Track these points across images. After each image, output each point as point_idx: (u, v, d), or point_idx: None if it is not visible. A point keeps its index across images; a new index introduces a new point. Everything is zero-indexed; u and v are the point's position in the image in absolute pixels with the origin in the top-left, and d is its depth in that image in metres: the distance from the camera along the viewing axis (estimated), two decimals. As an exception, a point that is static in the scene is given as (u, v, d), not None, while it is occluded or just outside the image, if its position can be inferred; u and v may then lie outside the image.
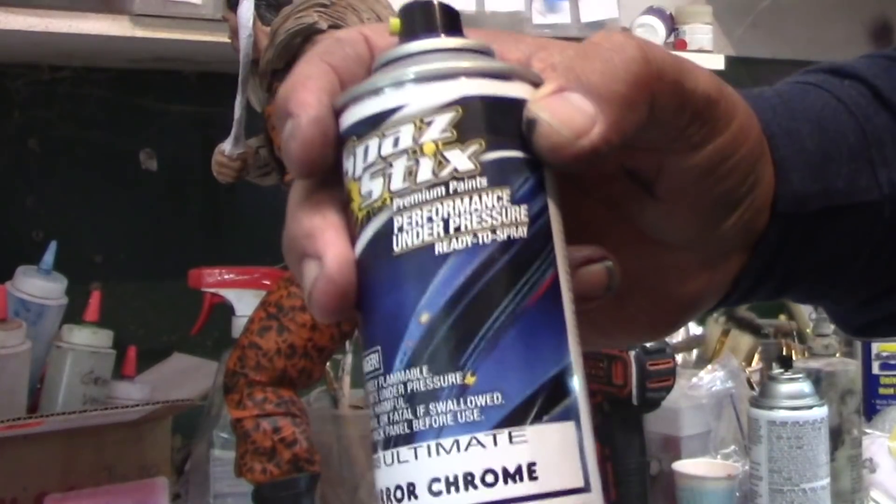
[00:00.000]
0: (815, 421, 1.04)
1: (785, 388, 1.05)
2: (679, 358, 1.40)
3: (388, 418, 0.29)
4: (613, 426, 1.07)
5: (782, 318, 1.74)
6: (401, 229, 0.29)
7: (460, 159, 0.29)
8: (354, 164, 0.30)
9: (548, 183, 0.31)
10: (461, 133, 0.29)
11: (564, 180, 0.32)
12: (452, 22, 0.31)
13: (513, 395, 0.28)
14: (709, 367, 1.31)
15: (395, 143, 0.29)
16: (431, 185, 0.29)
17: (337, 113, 0.31)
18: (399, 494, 0.29)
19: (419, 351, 0.29)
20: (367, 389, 0.30)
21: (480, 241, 0.29)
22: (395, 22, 0.32)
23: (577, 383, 0.29)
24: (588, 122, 0.30)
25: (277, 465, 0.98)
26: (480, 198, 0.29)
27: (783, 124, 0.39)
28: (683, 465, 1.13)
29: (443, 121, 0.29)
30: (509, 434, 0.28)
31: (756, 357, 1.60)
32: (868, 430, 1.26)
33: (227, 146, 1.13)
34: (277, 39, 1.01)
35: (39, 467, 1.09)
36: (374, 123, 0.30)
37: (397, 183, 0.29)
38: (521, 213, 0.29)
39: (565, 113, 0.30)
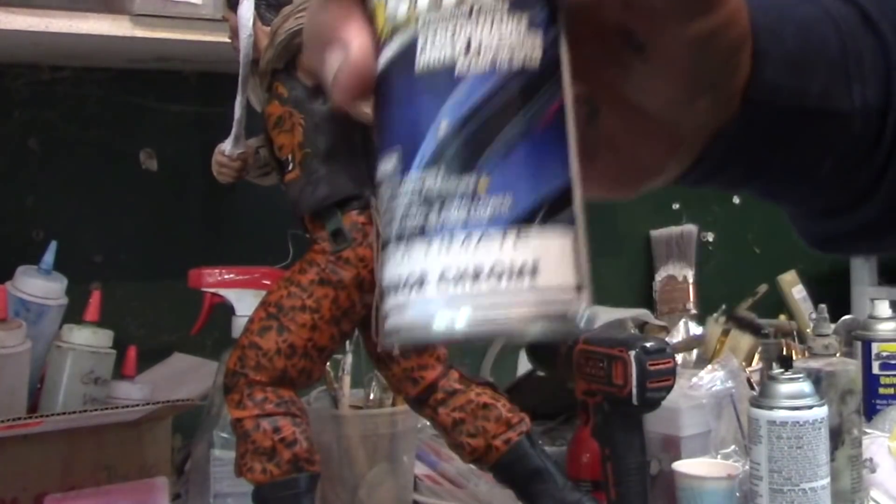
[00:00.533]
0: (815, 421, 1.04)
1: (785, 388, 1.05)
2: (679, 358, 1.40)
3: (403, 214, 0.31)
4: (613, 426, 1.07)
5: (782, 318, 1.74)
6: (424, 46, 0.31)
7: None
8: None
9: (560, 17, 0.33)
10: None
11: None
12: None
13: (521, 199, 0.31)
14: (709, 367, 1.31)
15: None
16: (457, 6, 0.31)
17: None
18: (409, 284, 0.31)
19: (437, 154, 0.31)
20: (380, 190, 0.33)
21: (499, 60, 0.31)
22: None
23: (576, 197, 0.32)
24: None
25: (277, 465, 0.98)
26: (501, 21, 0.31)
27: (768, 23, 0.40)
28: (683, 465, 1.13)
29: None
30: (517, 233, 0.30)
31: (756, 357, 1.60)
32: (868, 430, 1.26)
33: (227, 146, 1.13)
34: (277, 39, 1.01)
35: (39, 467, 1.09)
36: None
37: (423, 2, 0.31)
38: (536, 39, 0.32)
39: None
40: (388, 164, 0.32)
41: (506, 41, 0.31)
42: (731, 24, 0.37)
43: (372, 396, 1.23)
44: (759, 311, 1.69)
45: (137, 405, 1.14)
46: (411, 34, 0.32)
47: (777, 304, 1.81)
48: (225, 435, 1.11)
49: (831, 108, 0.41)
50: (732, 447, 1.20)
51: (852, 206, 0.44)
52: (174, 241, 1.51)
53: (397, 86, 0.32)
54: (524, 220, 0.30)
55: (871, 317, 1.50)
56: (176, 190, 1.53)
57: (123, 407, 1.15)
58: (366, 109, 0.34)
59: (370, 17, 0.33)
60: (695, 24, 0.36)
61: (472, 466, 1.12)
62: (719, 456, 1.18)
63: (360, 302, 1.01)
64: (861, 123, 0.42)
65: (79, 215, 1.45)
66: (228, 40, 1.11)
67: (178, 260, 1.37)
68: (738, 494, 1.10)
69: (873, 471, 1.19)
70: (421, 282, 0.31)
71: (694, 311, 1.74)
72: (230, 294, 1.20)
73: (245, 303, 1.16)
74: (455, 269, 0.30)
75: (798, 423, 1.03)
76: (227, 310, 1.20)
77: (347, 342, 1.15)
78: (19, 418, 1.06)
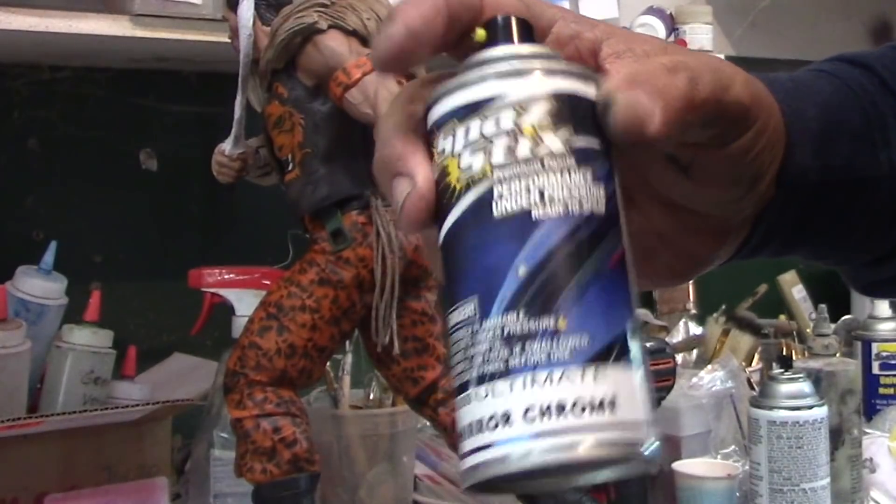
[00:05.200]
0: (815, 421, 1.04)
1: (785, 388, 1.05)
2: (679, 358, 1.40)
3: (485, 357, 0.33)
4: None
5: (782, 318, 1.74)
6: (501, 196, 0.34)
7: (554, 141, 0.34)
8: (454, 142, 0.35)
9: (615, 169, 0.36)
10: (554, 120, 0.34)
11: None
12: (529, 33, 0.37)
13: (598, 336, 0.33)
14: (709, 367, 1.31)
15: (497, 124, 0.34)
16: (529, 161, 0.34)
17: (431, 104, 0.36)
18: (493, 423, 0.33)
19: (517, 297, 0.33)
20: (454, 339, 0.35)
21: (570, 209, 0.34)
22: (480, 32, 0.37)
23: (639, 337, 0.34)
24: (650, 115, 0.35)
25: (277, 465, 0.98)
26: (570, 175, 0.34)
27: (792, 105, 0.43)
28: (683, 465, 1.13)
29: (540, 109, 0.34)
30: (596, 368, 0.32)
31: (756, 357, 1.60)
32: (868, 430, 1.26)
33: (227, 146, 1.13)
34: (277, 39, 1.01)
35: (39, 467, 1.09)
36: (476, 108, 0.35)
37: (498, 158, 0.34)
38: (600, 191, 0.35)
39: (635, 102, 0.35)
40: (464, 312, 0.34)
41: (575, 191, 0.34)
42: (764, 134, 0.40)
43: (372, 396, 1.23)
44: (759, 311, 1.69)
45: (137, 405, 1.14)
46: (487, 185, 0.34)
47: (777, 304, 1.81)
48: (225, 435, 1.11)
49: (860, 177, 0.44)
50: (732, 447, 1.20)
51: (892, 254, 0.47)
52: (174, 241, 1.51)
53: (474, 234, 0.34)
54: (601, 356, 0.33)
55: (871, 317, 1.50)
56: (176, 190, 1.53)
57: (123, 407, 1.15)
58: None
59: (441, 175, 0.35)
60: (732, 147, 0.39)
61: (472, 466, 1.11)
62: (719, 456, 1.18)
63: (360, 302, 1.01)
64: (891, 184, 0.44)
65: (79, 215, 1.45)
66: (228, 40, 1.11)
67: (178, 260, 1.37)
68: (737, 494, 1.10)
69: (873, 471, 1.18)
70: (506, 419, 0.32)
71: (694, 311, 1.74)
72: (230, 294, 1.20)
73: (245, 303, 1.16)
74: (539, 405, 0.32)
75: (798, 423, 1.03)
76: (227, 310, 1.20)
77: (347, 342, 1.15)
78: (19, 418, 1.06)
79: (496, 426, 0.33)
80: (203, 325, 1.24)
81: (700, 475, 1.11)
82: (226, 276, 1.21)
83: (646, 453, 0.33)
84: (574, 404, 0.32)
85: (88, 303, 1.24)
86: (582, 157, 0.34)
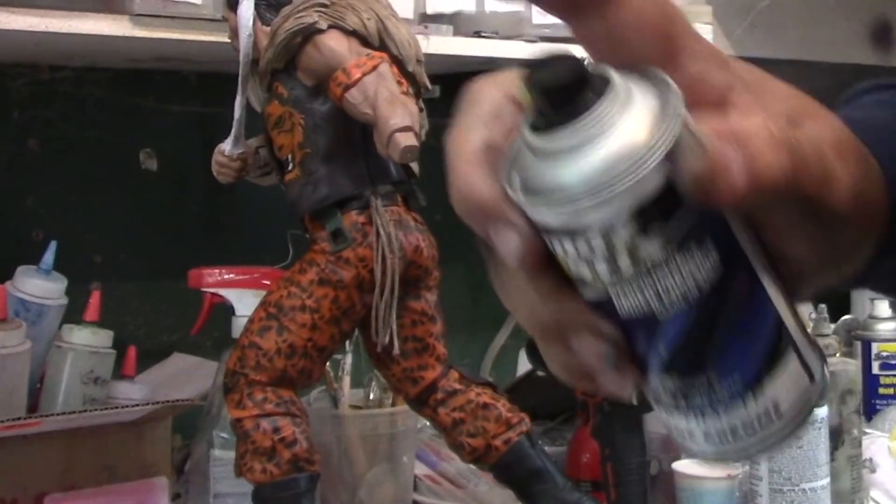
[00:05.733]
0: (815, 421, 1.04)
1: (785, 388, 1.05)
2: (679, 358, 1.39)
3: (658, 394, 0.37)
4: (613, 426, 1.07)
5: (782, 318, 1.73)
6: (619, 300, 0.34)
7: (649, 245, 0.33)
8: (553, 246, 0.34)
9: (731, 221, 0.35)
10: (644, 230, 0.33)
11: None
12: (581, 87, 0.32)
13: (747, 370, 0.35)
14: (709, 367, 1.31)
15: (590, 247, 0.33)
16: (635, 271, 0.33)
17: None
18: (681, 434, 0.38)
19: (667, 368, 0.35)
20: None
21: (690, 296, 0.34)
22: (524, 93, 0.33)
23: (787, 323, 0.36)
24: (730, 185, 0.32)
25: (277, 465, 0.98)
26: (677, 266, 0.34)
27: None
28: (683, 465, 1.13)
29: (625, 226, 0.32)
30: (753, 393, 0.35)
31: (756, 357, 1.60)
32: (868, 430, 1.26)
33: (227, 146, 1.13)
34: (277, 39, 1.01)
35: (39, 467, 1.09)
36: (563, 233, 0.33)
37: (604, 274, 0.34)
38: (709, 254, 0.34)
39: (720, 163, 0.32)
40: None
41: (688, 278, 0.34)
42: (856, 229, 0.38)
43: (372, 396, 1.23)
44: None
45: (137, 405, 1.14)
46: (602, 290, 0.34)
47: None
48: (225, 435, 1.11)
49: None
50: (732, 447, 1.19)
51: None
52: (174, 241, 1.51)
53: (610, 321, 0.35)
54: (755, 381, 0.35)
55: (871, 317, 1.50)
56: (176, 190, 1.53)
57: (123, 407, 1.15)
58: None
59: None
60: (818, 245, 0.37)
61: (472, 466, 1.12)
62: (719, 456, 1.18)
63: (360, 302, 1.01)
64: None
65: (79, 215, 1.45)
66: (228, 40, 1.11)
67: (178, 260, 1.37)
68: (737, 494, 1.10)
69: (873, 471, 1.18)
70: (691, 435, 0.37)
71: (694, 311, 1.74)
72: (230, 294, 1.20)
73: (245, 303, 1.16)
74: (714, 432, 0.36)
75: (798, 423, 1.03)
76: (227, 310, 1.20)
77: (347, 342, 1.15)
78: (19, 418, 1.06)
79: (683, 437, 0.38)
80: (203, 325, 1.24)
81: (700, 475, 1.11)
82: (226, 276, 1.21)
83: (812, 403, 0.37)
84: (743, 426, 0.36)
85: (88, 303, 1.24)
86: (682, 242, 0.33)
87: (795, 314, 0.37)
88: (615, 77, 0.33)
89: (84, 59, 1.40)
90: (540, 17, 1.53)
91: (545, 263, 0.34)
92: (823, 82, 2.33)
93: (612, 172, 0.31)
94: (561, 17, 0.34)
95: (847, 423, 1.13)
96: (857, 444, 1.14)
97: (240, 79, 1.07)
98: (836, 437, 1.11)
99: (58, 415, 1.12)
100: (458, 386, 1.05)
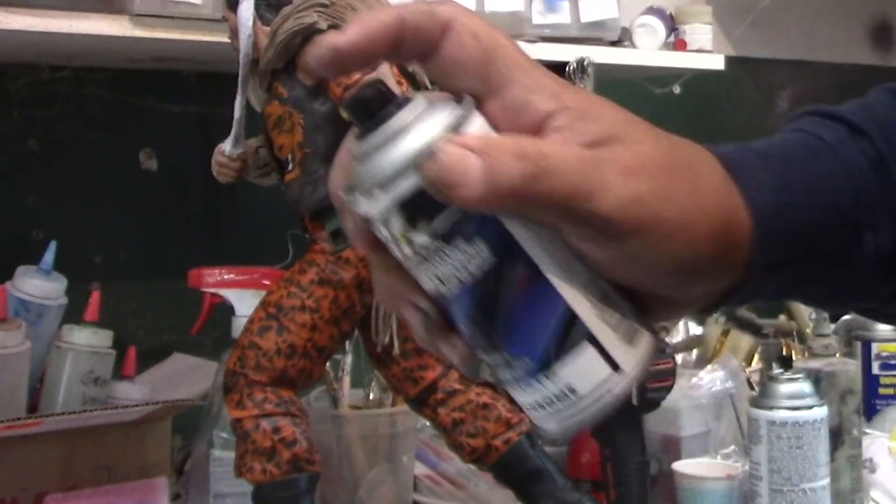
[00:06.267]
0: (815, 421, 1.04)
1: (785, 388, 1.05)
2: (679, 358, 1.40)
3: (489, 372, 0.43)
4: (613, 426, 1.07)
5: (782, 318, 1.73)
6: (419, 279, 0.41)
7: (419, 237, 0.39)
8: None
9: (503, 220, 0.40)
10: (412, 222, 0.39)
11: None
12: (375, 105, 0.39)
13: (535, 353, 0.40)
14: (709, 367, 1.31)
15: (381, 233, 0.40)
16: (414, 256, 0.40)
17: None
18: (520, 407, 0.43)
19: (472, 343, 0.41)
20: None
21: (462, 279, 0.39)
22: (344, 113, 0.42)
23: (582, 317, 0.40)
24: (461, 184, 0.37)
25: (277, 465, 0.98)
26: (446, 254, 0.39)
27: (774, 202, 0.42)
28: (683, 465, 1.13)
29: (397, 221, 0.39)
30: (545, 376, 0.40)
31: (756, 357, 1.60)
32: (868, 430, 1.26)
33: (227, 146, 1.13)
34: (277, 39, 1.01)
35: (39, 467, 1.09)
36: (369, 220, 0.40)
37: (399, 255, 0.40)
38: (480, 245, 0.39)
39: (455, 166, 0.37)
40: None
41: (458, 264, 0.39)
42: (664, 244, 0.40)
43: (372, 396, 1.23)
44: (759, 311, 1.69)
45: (137, 405, 1.14)
46: (411, 272, 0.41)
47: (777, 304, 1.80)
48: (225, 435, 1.11)
49: (840, 263, 0.44)
50: (732, 447, 1.20)
51: (884, 302, 0.47)
52: (174, 241, 1.51)
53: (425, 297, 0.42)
54: (543, 366, 0.40)
55: (871, 317, 1.50)
56: (176, 190, 1.53)
57: (123, 407, 1.15)
58: None
59: None
60: (613, 249, 0.40)
61: (472, 466, 1.12)
62: (719, 456, 1.18)
63: (360, 302, 1.01)
64: (873, 262, 0.44)
65: (79, 215, 1.45)
66: (228, 40, 1.11)
67: (178, 260, 1.37)
68: (737, 494, 1.10)
69: (873, 471, 1.18)
70: (522, 406, 0.42)
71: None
72: (230, 294, 1.20)
73: (245, 303, 1.16)
74: (527, 404, 0.41)
75: (798, 423, 1.03)
76: (227, 310, 1.20)
77: (347, 342, 1.15)
78: (19, 418, 1.06)
79: (520, 407, 0.42)
80: (203, 325, 1.24)
81: (700, 475, 1.11)
82: (226, 276, 1.21)
83: (623, 394, 0.40)
84: (546, 401, 0.40)
85: (88, 303, 1.24)
86: (449, 234, 0.39)
87: (603, 309, 0.40)
88: (417, 98, 0.39)
89: (84, 59, 1.40)
90: (540, 16, 1.53)
91: (377, 244, 0.40)
92: (823, 82, 2.34)
93: (381, 173, 0.38)
94: (393, 62, 0.41)
95: (847, 423, 1.13)
96: (857, 444, 1.14)
97: (240, 79, 1.07)
98: (836, 437, 1.11)
99: (58, 415, 1.12)
100: (457, 386, 1.05)
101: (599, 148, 0.39)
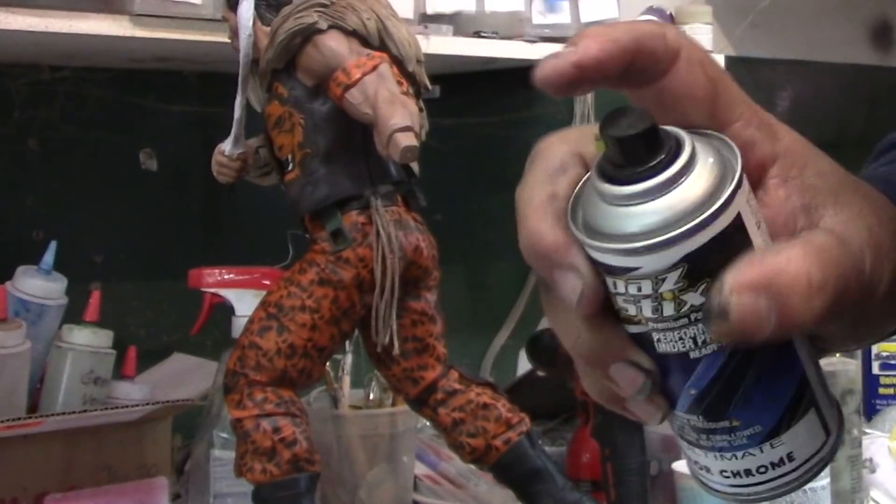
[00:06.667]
0: (815, 421, 1.04)
1: (785, 388, 1.05)
2: (679, 358, 1.39)
3: (681, 429, 0.40)
4: (613, 426, 1.07)
5: (782, 318, 1.73)
6: (659, 341, 0.37)
7: (695, 298, 0.36)
8: (606, 284, 0.37)
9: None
10: (690, 280, 0.36)
11: None
12: (653, 142, 0.35)
13: (767, 423, 0.38)
14: (709, 367, 1.31)
15: (639, 289, 0.36)
16: (676, 318, 0.36)
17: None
18: (698, 468, 0.41)
19: (693, 409, 0.38)
20: None
21: (725, 347, 0.37)
22: (598, 143, 0.37)
23: (811, 381, 0.39)
24: (763, 328, 0.35)
25: (277, 465, 0.98)
26: None
27: None
28: (683, 465, 1.13)
29: (674, 276, 0.35)
30: (770, 444, 0.38)
31: (756, 357, 1.60)
32: (868, 430, 1.26)
33: (227, 146, 1.13)
34: (277, 39, 1.01)
35: (39, 467, 1.09)
36: (617, 273, 0.36)
37: (648, 313, 0.37)
38: None
39: (752, 312, 0.35)
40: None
41: None
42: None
43: (372, 396, 1.23)
44: (759, 311, 1.69)
45: (137, 405, 1.14)
46: (645, 329, 0.37)
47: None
48: (225, 435, 1.11)
49: None
50: (732, 447, 1.19)
51: None
52: (174, 241, 1.51)
53: (648, 355, 0.38)
54: (773, 433, 0.38)
55: (872, 317, 1.50)
56: (176, 190, 1.53)
57: (123, 407, 1.15)
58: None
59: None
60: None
61: (472, 466, 1.12)
62: (719, 456, 1.18)
63: (360, 302, 1.01)
64: None
65: (79, 215, 1.45)
66: (228, 40, 1.11)
67: (178, 260, 1.37)
68: (738, 494, 1.10)
69: (873, 471, 1.18)
70: (707, 470, 0.40)
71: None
72: (230, 294, 1.20)
73: (245, 303, 1.16)
74: (729, 470, 0.39)
75: (798, 423, 1.03)
76: (227, 310, 1.19)
77: (347, 342, 1.15)
78: (19, 418, 1.06)
79: (700, 471, 0.41)
80: (203, 325, 1.24)
81: (700, 475, 1.10)
82: (226, 276, 1.21)
83: (826, 457, 0.39)
84: (757, 469, 0.39)
85: (88, 303, 1.24)
86: None
87: (819, 373, 0.39)
88: (684, 137, 0.36)
89: (84, 59, 1.40)
90: (540, 16, 1.53)
91: (600, 302, 0.37)
92: (823, 82, 2.34)
93: (669, 226, 0.35)
94: (614, 88, 0.37)
95: (847, 423, 1.13)
96: (857, 444, 1.14)
97: (240, 79, 1.07)
98: (836, 437, 1.11)
99: (58, 415, 1.12)
100: (458, 386, 1.05)
101: (826, 216, 0.37)
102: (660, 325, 0.37)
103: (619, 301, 0.37)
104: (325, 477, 1.07)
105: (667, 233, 0.35)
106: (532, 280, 1.69)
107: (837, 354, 1.22)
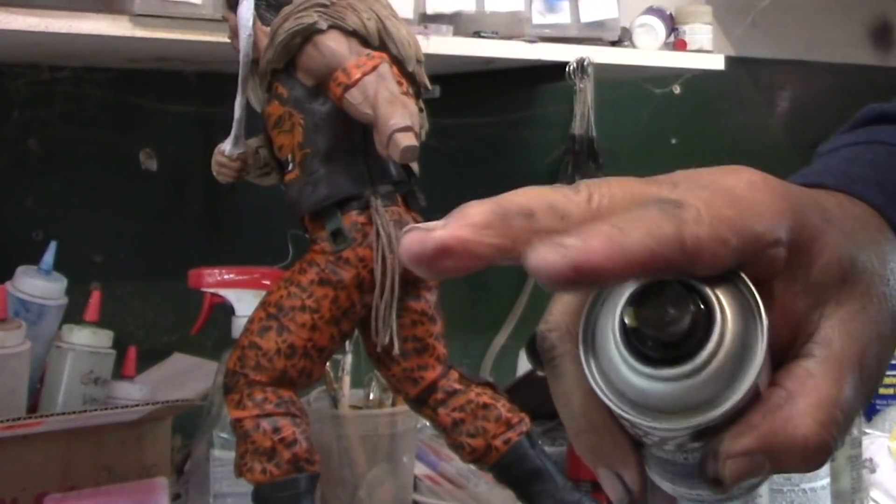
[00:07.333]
0: (815, 421, 1.04)
1: (785, 388, 1.05)
2: (679, 358, 1.39)
3: None
4: (613, 426, 1.07)
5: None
6: (652, 458, 0.39)
7: (697, 447, 0.37)
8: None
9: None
10: (694, 439, 0.37)
11: None
12: (690, 328, 0.35)
13: None
14: (709, 367, 1.31)
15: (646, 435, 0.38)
16: (673, 454, 0.38)
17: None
18: None
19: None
20: None
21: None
22: (632, 316, 0.35)
23: None
24: (761, 476, 0.36)
25: (277, 465, 0.98)
26: None
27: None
28: (683, 465, 1.12)
29: (683, 439, 0.37)
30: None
31: (756, 357, 1.60)
32: (868, 430, 1.26)
33: (227, 146, 1.13)
34: (277, 39, 1.01)
35: (39, 467, 1.09)
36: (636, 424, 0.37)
37: (652, 450, 0.39)
38: None
39: (745, 475, 0.35)
40: None
41: None
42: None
43: (372, 396, 1.23)
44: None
45: (137, 405, 1.14)
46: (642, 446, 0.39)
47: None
48: (225, 435, 1.11)
49: None
50: (732, 447, 1.19)
51: None
52: (174, 241, 1.51)
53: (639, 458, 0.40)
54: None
55: (871, 317, 1.50)
56: (176, 190, 1.53)
57: (123, 407, 1.15)
58: None
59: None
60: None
61: (472, 466, 1.11)
62: (719, 456, 1.18)
63: (360, 302, 1.01)
64: None
65: (79, 215, 1.45)
66: (228, 40, 1.11)
67: (178, 260, 1.37)
68: (738, 494, 1.10)
69: (873, 471, 1.18)
70: None
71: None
72: (230, 294, 1.20)
73: (245, 303, 1.16)
74: None
75: (798, 423, 1.03)
76: (227, 310, 1.20)
77: (347, 342, 1.15)
78: (19, 418, 1.06)
79: None
80: (203, 325, 1.24)
81: (700, 475, 1.10)
82: (226, 276, 1.21)
83: None
84: None
85: (88, 303, 1.24)
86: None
87: None
88: (717, 322, 0.35)
89: (84, 59, 1.40)
90: (540, 16, 1.53)
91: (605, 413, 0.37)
92: (823, 82, 2.34)
93: (688, 411, 0.35)
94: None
95: (847, 423, 1.13)
96: (857, 444, 1.14)
97: (240, 79, 1.07)
98: (836, 437, 1.11)
99: (58, 415, 1.12)
100: (458, 386, 1.05)
101: (829, 318, 0.37)
102: (656, 454, 0.38)
103: (626, 425, 0.37)
104: (325, 477, 1.07)
105: (685, 420, 0.35)
106: (532, 280, 1.69)
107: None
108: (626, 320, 0.35)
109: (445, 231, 0.33)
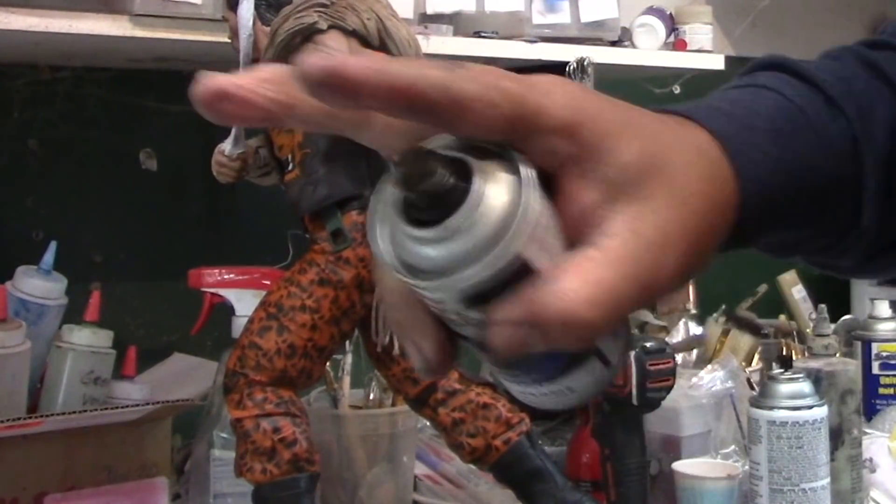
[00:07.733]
0: (815, 421, 1.04)
1: (785, 388, 1.05)
2: (679, 358, 1.40)
3: (490, 371, 0.45)
4: (613, 426, 1.07)
5: (782, 318, 1.73)
6: (454, 325, 0.40)
7: (476, 314, 0.38)
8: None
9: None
10: (469, 303, 0.38)
11: None
12: (445, 193, 0.36)
13: (545, 374, 0.41)
14: (709, 367, 1.31)
15: (442, 313, 0.39)
16: (464, 324, 0.39)
17: None
18: (501, 382, 0.43)
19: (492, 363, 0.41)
20: None
21: None
22: (396, 178, 0.38)
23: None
24: (535, 347, 0.36)
25: (277, 465, 0.98)
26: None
27: (763, 183, 0.43)
28: (683, 465, 1.13)
29: (456, 303, 0.38)
30: (550, 383, 0.41)
31: (756, 357, 1.60)
32: (868, 430, 1.26)
33: (227, 146, 1.13)
34: (277, 39, 1.01)
35: (39, 467, 1.09)
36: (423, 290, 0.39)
37: (443, 311, 0.39)
38: None
39: (515, 347, 0.36)
40: None
41: None
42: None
43: (372, 396, 1.23)
44: (759, 311, 1.69)
45: (137, 405, 1.14)
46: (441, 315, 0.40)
47: (777, 304, 1.80)
48: (225, 435, 1.11)
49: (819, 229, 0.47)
50: (732, 447, 1.20)
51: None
52: (174, 241, 1.51)
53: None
54: (550, 379, 0.41)
55: (871, 317, 1.50)
56: (176, 190, 1.53)
57: (123, 407, 1.15)
58: None
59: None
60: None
61: (472, 466, 1.12)
62: (719, 456, 1.18)
63: (360, 302, 1.01)
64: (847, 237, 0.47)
65: (79, 215, 1.45)
66: (228, 40, 1.11)
67: (178, 260, 1.37)
68: (737, 494, 1.10)
69: (873, 471, 1.18)
70: (515, 391, 0.43)
71: (694, 311, 1.74)
72: (230, 294, 1.20)
73: (245, 303, 1.16)
74: (522, 392, 0.42)
75: (798, 423, 1.03)
76: (227, 310, 1.20)
77: (347, 342, 1.15)
78: (19, 418, 1.06)
79: (511, 390, 0.43)
80: (203, 325, 1.24)
81: (700, 475, 1.11)
82: (226, 276, 1.21)
83: (606, 384, 0.43)
84: (542, 393, 0.42)
85: (88, 303, 1.24)
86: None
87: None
88: (474, 186, 0.36)
89: (84, 58, 1.40)
90: (540, 16, 1.53)
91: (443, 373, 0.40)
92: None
93: (449, 270, 0.36)
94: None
95: (847, 423, 1.13)
96: (857, 444, 1.14)
97: (240, 79, 1.07)
98: (836, 437, 1.11)
99: (58, 415, 1.12)
100: (458, 386, 1.05)
101: (619, 222, 0.37)
102: (451, 321, 0.39)
103: (419, 296, 0.39)
104: (325, 477, 1.07)
105: (447, 276, 0.36)
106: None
107: (837, 354, 1.22)
108: (392, 181, 0.37)
109: (228, 78, 0.37)
